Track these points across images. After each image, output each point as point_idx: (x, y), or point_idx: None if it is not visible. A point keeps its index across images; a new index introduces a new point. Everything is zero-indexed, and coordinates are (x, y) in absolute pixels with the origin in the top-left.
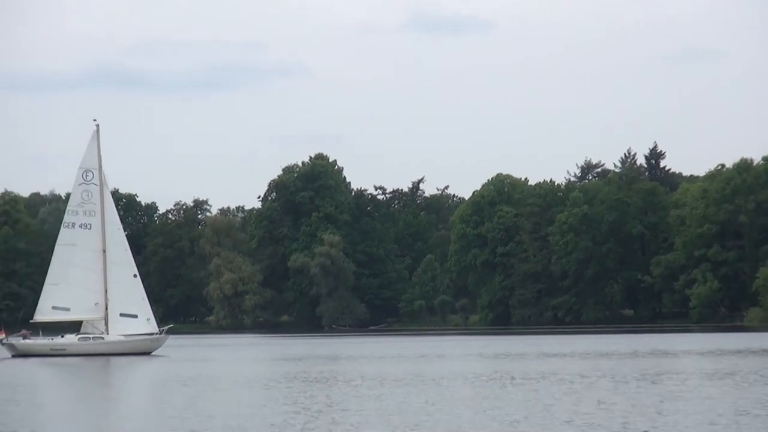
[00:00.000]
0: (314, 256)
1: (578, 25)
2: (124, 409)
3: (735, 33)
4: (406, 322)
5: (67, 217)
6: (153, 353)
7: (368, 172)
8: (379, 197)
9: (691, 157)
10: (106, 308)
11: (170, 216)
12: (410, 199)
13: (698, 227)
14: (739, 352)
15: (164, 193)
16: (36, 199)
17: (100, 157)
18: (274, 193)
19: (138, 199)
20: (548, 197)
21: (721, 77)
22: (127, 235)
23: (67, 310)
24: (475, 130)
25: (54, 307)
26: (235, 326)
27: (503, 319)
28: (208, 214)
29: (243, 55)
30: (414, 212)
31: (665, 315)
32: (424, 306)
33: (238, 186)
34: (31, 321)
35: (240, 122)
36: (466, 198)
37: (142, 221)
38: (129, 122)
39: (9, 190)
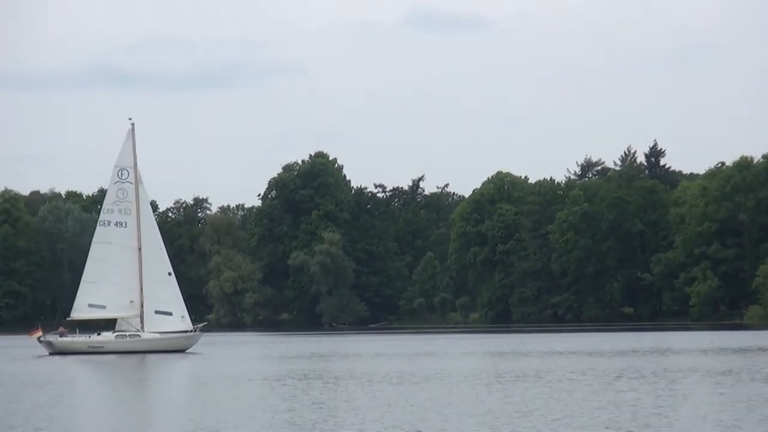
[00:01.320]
0: (314, 254)
1: (577, 22)
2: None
3: (735, 30)
4: (406, 320)
5: (103, 215)
6: (187, 351)
7: (368, 170)
8: (379, 195)
9: (691, 155)
10: (142, 306)
11: (170, 214)
12: (410, 197)
13: (698, 225)
14: (737, 350)
15: (164, 191)
16: (36, 198)
17: (135, 155)
18: (274, 191)
19: None
20: (548, 195)
21: (721, 75)
22: None
23: (103, 307)
24: (475, 128)
25: (90, 305)
26: (235, 324)
27: (503, 317)
28: (208, 212)
29: (242, 53)
30: (414, 210)
31: (665, 313)
32: (424, 304)
33: (238, 184)
34: (67, 318)
35: (240, 120)
36: (466, 196)
37: None
38: (126, 121)
39: (9, 188)
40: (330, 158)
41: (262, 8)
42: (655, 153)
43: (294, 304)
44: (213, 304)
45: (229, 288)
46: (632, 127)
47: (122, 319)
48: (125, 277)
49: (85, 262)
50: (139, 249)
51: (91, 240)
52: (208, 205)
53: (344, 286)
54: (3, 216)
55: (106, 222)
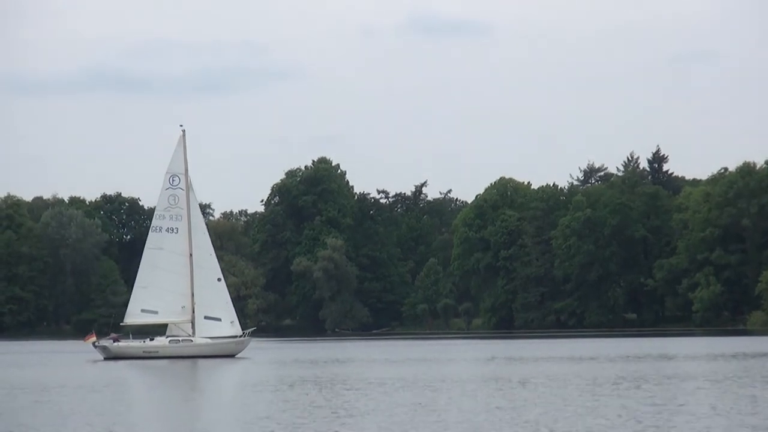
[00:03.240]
0: (317, 260)
1: (580, 27)
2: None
3: (737, 35)
4: (409, 326)
5: (155, 221)
6: (237, 355)
7: (371, 176)
8: (382, 201)
9: (694, 161)
10: (193, 311)
11: None
12: (413, 202)
13: (701, 231)
14: (740, 355)
15: None
16: (39, 203)
17: (186, 161)
18: (277, 197)
19: (141, 203)
20: (551, 201)
21: (724, 80)
22: (129, 240)
23: (155, 313)
24: (478, 133)
25: (143, 310)
26: None
27: (506, 323)
28: (211, 218)
29: (244, 58)
30: (417, 216)
31: (668, 319)
32: (426, 310)
33: (240, 190)
34: (121, 324)
35: (242, 126)
36: (469, 202)
37: (144, 225)
38: (129, 126)
39: (12, 193)
40: (333, 164)
41: (264, 11)
42: (657, 159)
43: (297, 310)
44: None
45: (231, 294)
46: (635, 132)
47: (174, 324)
48: (177, 283)
49: (89, 268)
50: (190, 255)
51: (92, 246)
52: (210, 211)
53: (347, 292)
54: (6, 222)
55: (157, 228)
